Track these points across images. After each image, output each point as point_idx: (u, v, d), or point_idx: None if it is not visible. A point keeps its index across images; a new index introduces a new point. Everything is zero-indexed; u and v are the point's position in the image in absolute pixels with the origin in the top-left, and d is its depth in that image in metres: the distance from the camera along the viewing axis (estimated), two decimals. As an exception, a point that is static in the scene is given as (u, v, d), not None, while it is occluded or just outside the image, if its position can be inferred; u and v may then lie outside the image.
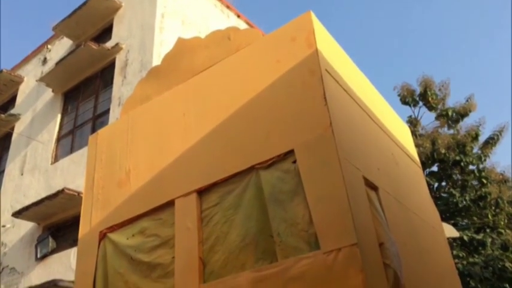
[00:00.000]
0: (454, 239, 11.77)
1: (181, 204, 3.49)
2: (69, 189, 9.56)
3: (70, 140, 11.99)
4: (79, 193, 9.15)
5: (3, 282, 10.70)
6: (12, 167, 12.83)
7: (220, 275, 3.08)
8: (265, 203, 3.07)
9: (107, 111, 10.97)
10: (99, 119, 11.43)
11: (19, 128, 13.37)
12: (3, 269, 10.96)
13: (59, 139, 12.25)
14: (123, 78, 10.86)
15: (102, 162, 4.33)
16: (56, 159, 11.77)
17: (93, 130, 10.82)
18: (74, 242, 8.83)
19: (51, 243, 10.09)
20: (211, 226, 3.29)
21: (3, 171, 13.23)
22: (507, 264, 12.18)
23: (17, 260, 10.75)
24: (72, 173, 10.56)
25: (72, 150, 11.54)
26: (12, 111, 13.91)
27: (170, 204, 3.57)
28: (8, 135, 13.67)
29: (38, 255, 10.15)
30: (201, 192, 3.45)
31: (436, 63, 42.47)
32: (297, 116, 3.14)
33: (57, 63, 12.15)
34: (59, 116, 12.54)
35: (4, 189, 12.59)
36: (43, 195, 10.40)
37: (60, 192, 9.56)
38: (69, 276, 8.51)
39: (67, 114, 12.66)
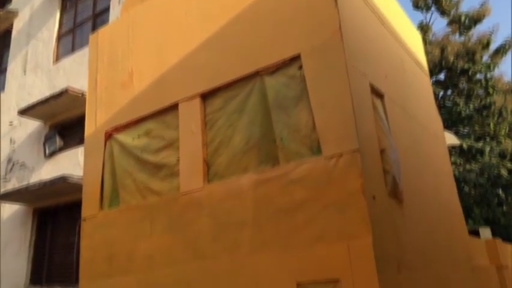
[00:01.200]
0: (454, 147, 11.98)
1: (185, 108, 3.49)
2: (72, 90, 9.53)
3: (71, 38, 11.69)
4: (83, 93, 9.13)
5: (15, 176, 11.13)
6: (14, 65, 12.67)
7: (224, 176, 3.18)
8: (269, 108, 3.07)
9: (107, 9, 10.55)
10: (100, 17, 11.03)
11: (18, 25, 12.98)
12: (13, 164, 11.34)
13: (59, 37, 11.94)
14: (122, -27, 10.31)
15: (104, 62, 4.26)
16: (57, 58, 11.58)
17: (94, 29, 10.50)
18: (80, 141, 8.99)
19: (58, 141, 10.30)
20: (215, 130, 3.33)
21: (5, 70, 13.11)
22: (503, 171, 12.53)
23: (26, 156, 11.08)
24: (75, 73, 10.46)
25: (73, 49, 11.31)
26: (10, 7, 13.40)
27: (174, 107, 3.58)
28: (7, 33, 13.32)
29: (47, 153, 10.43)
30: (205, 97, 3.43)
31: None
32: (305, 18, 3.01)
33: (52, -45, 11.46)
34: (58, 13, 12.10)
35: (8, 87, 12.57)
36: (47, 94, 10.40)
37: (64, 92, 9.54)
38: (77, 172, 8.84)
39: (66, 11, 12.20)
